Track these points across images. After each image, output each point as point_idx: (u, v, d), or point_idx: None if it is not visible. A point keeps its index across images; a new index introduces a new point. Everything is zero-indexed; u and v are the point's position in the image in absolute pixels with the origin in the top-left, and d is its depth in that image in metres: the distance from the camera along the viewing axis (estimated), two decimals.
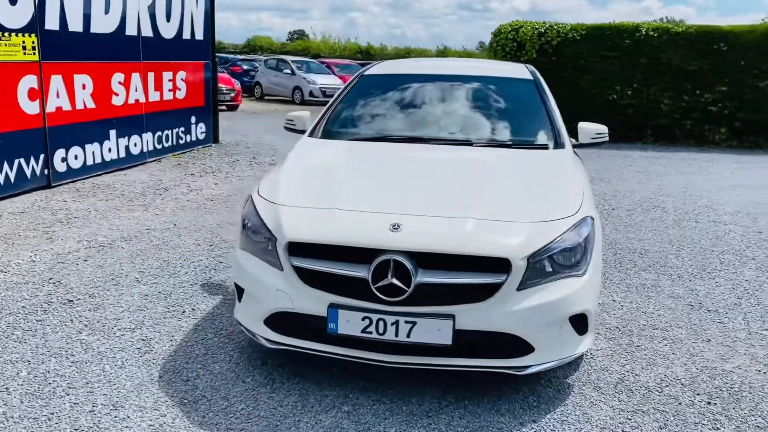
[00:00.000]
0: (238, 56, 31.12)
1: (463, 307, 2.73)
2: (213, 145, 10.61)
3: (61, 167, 7.09)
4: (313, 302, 2.83)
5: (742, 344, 3.67)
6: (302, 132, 4.32)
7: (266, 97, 23.48)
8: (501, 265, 2.73)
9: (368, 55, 42.05)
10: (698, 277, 4.80)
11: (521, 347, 2.80)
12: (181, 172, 8.21)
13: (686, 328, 3.86)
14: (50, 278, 4.32)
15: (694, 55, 12.11)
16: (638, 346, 3.59)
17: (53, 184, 6.96)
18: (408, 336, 2.74)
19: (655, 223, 6.44)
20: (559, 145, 3.86)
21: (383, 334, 2.76)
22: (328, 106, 4.42)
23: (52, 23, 6.75)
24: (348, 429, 2.74)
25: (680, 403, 3.01)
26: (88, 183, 7.30)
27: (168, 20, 8.99)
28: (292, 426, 2.75)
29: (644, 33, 12.24)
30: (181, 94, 9.51)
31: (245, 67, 25.29)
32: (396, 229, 2.78)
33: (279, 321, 2.95)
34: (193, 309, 3.92)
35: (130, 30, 8.13)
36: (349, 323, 2.77)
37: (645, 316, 4.01)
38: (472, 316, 2.73)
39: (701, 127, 12.32)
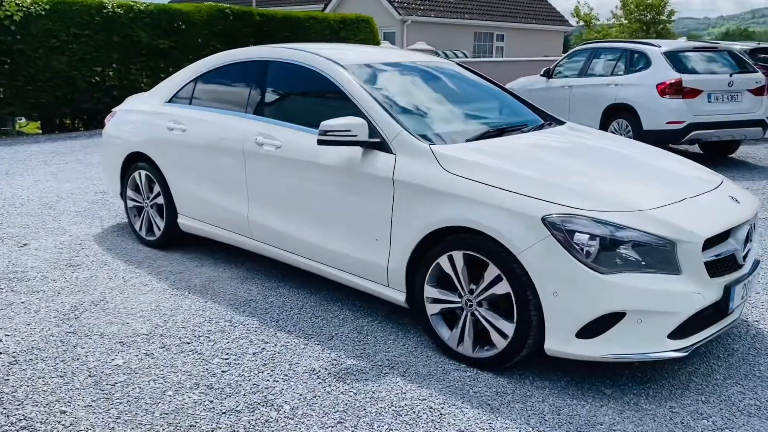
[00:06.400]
0: None
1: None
2: None
3: None
4: (715, 290, 3.04)
5: None
6: (365, 145, 3.52)
7: None
8: None
9: None
10: None
11: None
12: None
13: None
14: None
15: (160, 33, 12.33)
16: None
17: None
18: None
19: None
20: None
21: (744, 296, 3.26)
22: (366, 109, 3.64)
23: None
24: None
25: None
26: None
27: None
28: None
29: (111, 10, 11.63)
30: None
31: None
32: (737, 201, 3.26)
33: (682, 326, 2.98)
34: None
35: None
36: (737, 295, 3.15)
37: None
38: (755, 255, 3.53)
39: None
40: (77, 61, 11.31)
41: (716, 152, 9.38)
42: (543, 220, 2.91)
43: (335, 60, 3.97)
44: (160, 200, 4.84)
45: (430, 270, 3.32)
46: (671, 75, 8.42)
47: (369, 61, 4.10)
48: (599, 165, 3.52)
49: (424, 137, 3.50)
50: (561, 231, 2.88)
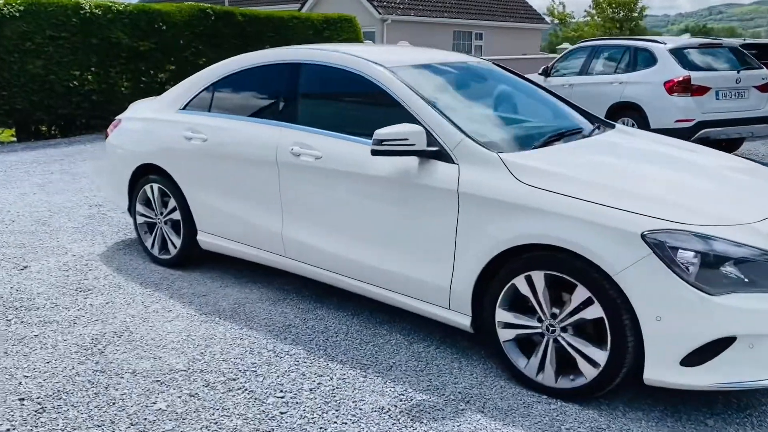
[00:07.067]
0: None
1: None
2: None
3: None
4: None
5: None
6: (422, 154, 3.20)
7: None
8: None
9: None
10: None
11: None
12: None
13: None
14: None
15: (140, 35, 11.82)
16: None
17: None
18: None
19: None
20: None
21: None
22: (421, 115, 3.31)
23: None
24: None
25: None
26: None
27: None
28: None
29: (89, 11, 11.08)
30: None
31: None
32: None
33: None
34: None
35: None
36: None
37: None
38: None
39: None
40: (54, 64, 10.74)
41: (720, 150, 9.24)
42: (643, 236, 2.63)
43: (377, 61, 3.64)
44: (176, 216, 4.45)
45: (503, 292, 3.01)
46: (679, 72, 8.26)
47: (410, 62, 3.78)
48: (680, 173, 3.25)
49: (488, 145, 3.19)
50: (663, 248, 2.60)
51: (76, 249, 4.99)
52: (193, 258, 4.56)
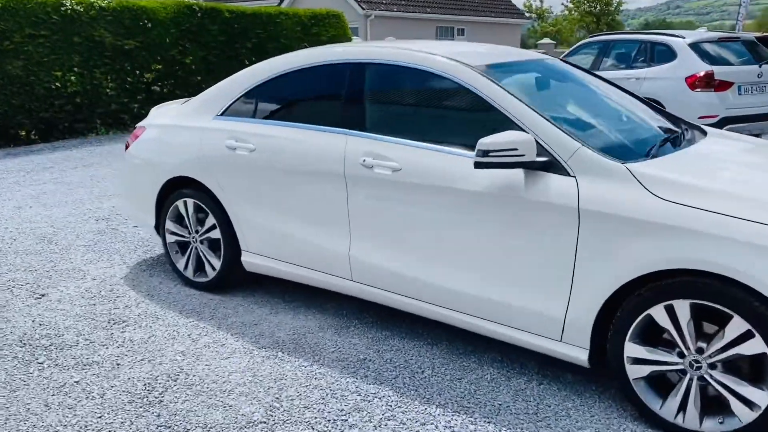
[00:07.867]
0: None
1: None
2: None
3: None
4: None
5: None
6: (530, 166, 2.80)
7: None
8: None
9: None
10: None
11: None
12: None
13: None
14: None
15: (124, 33, 11.19)
16: None
17: None
18: None
19: None
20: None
21: None
22: (525, 121, 2.92)
23: None
24: None
25: None
26: None
27: None
28: None
29: (70, 8, 10.42)
30: None
31: None
32: None
33: None
34: None
35: None
36: None
37: None
38: None
39: (148, 109, 11.64)
40: (34, 64, 10.07)
41: None
42: None
43: (459, 59, 3.23)
44: (215, 234, 3.98)
45: (635, 323, 2.63)
46: (701, 67, 8.01)
47: (491, 61, 3.37)
48: None
49: (608, 153, 2.81)
50: None
51: (94, 271, 4.47)
52: (233, 280, 4.10)
